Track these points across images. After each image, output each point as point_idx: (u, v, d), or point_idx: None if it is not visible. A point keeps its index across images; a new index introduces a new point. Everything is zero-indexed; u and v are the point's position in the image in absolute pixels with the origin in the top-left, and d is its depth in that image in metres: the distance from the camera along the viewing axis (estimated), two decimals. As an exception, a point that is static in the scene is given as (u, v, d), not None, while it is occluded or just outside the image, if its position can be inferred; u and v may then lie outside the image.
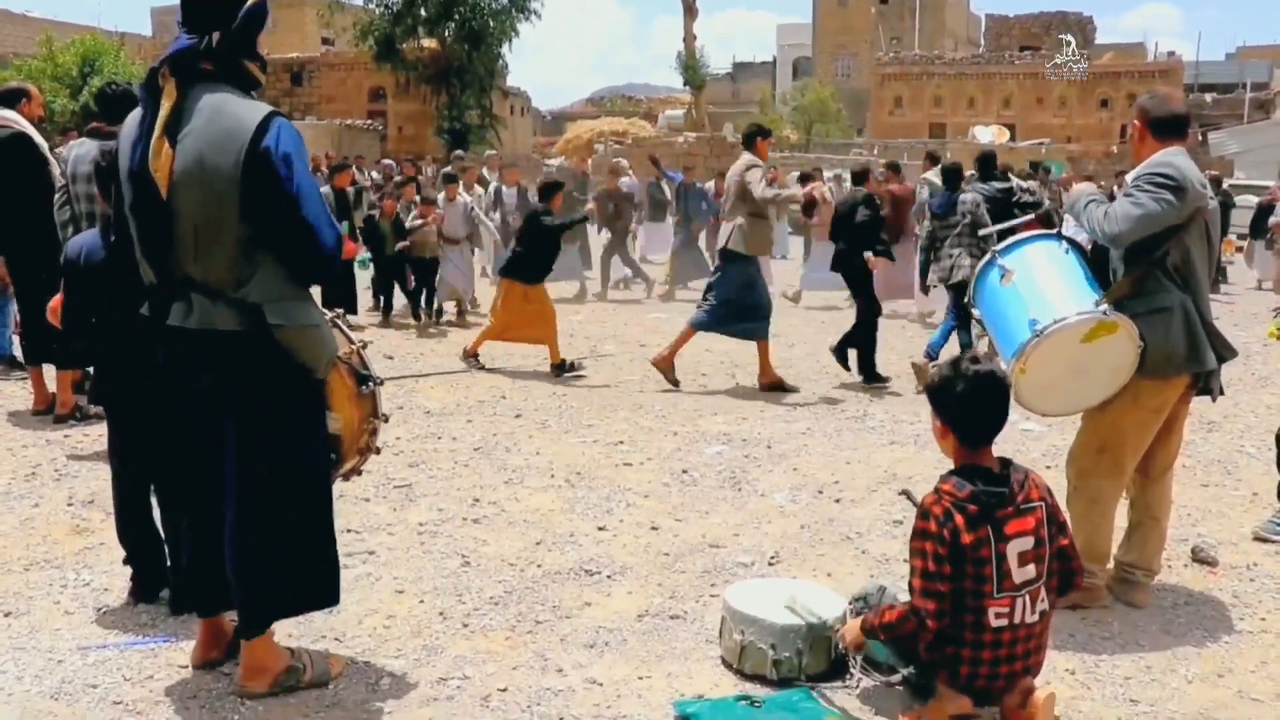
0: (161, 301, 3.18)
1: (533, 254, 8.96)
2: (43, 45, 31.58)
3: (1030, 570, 2.95)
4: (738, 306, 8.34)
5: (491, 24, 43.65)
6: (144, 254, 3.18)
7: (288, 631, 3.70)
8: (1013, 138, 47.47)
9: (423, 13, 42.92)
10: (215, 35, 3.08)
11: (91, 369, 7.49)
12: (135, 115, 3.19)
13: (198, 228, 3.06)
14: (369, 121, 45.91)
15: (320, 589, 3.41)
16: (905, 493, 3.68)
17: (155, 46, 52.66)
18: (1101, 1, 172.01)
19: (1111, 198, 4.17)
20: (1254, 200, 25.48)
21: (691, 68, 44.01)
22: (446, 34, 43.66)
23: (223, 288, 3.10)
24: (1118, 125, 53.65)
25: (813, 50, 71.23)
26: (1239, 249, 19.00)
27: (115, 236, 3.44)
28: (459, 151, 21.53)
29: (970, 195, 8.94)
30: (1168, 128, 4.06)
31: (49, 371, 7.10)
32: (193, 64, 3.08)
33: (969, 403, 3.05)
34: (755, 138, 8.51)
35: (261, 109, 3.10)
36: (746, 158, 8.35)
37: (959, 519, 2.90)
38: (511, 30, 44.36)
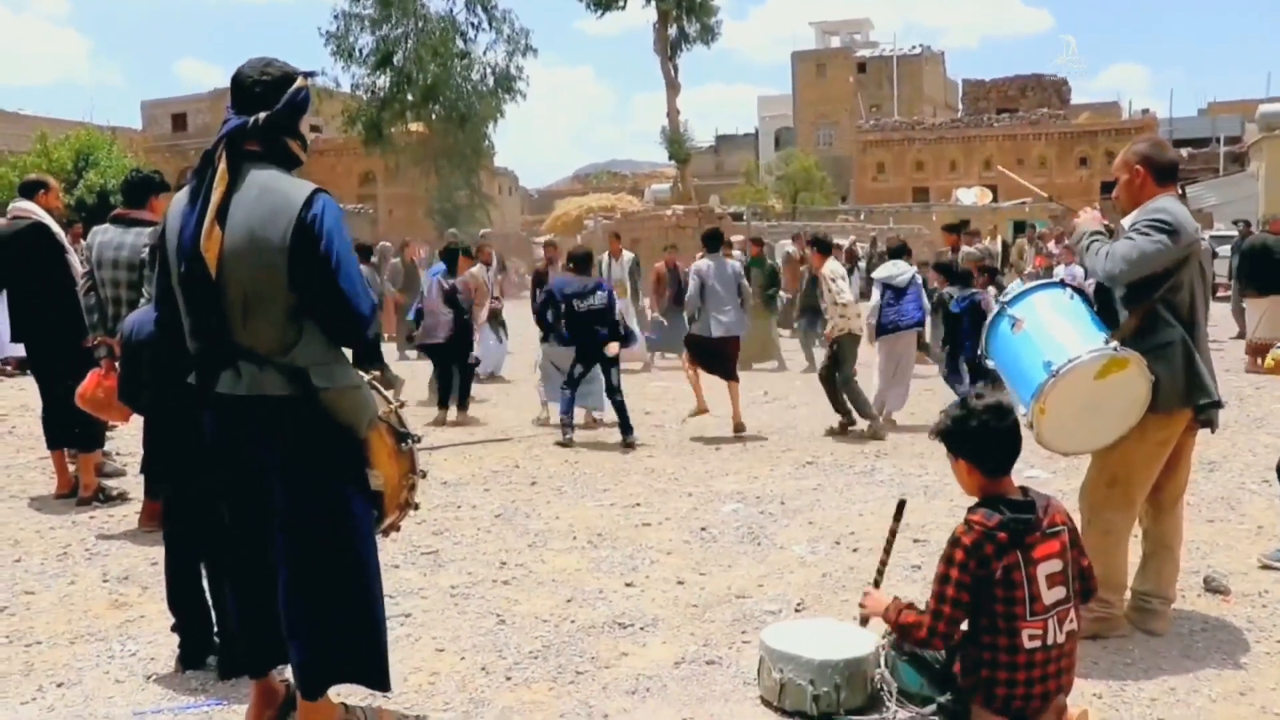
0: (209, 370, 3.33)
1: None
2: (38, 142, 31.89)
3: (1059, 592, 3.10)
4: None
5: (477, 105, 44.34)
6: (192, 326, 3.33)
7: (336, 690, 3.79)
8: (995, 198, 48.16)
9: (409, 97, 43.53)
10: (261, 115, 3.28)
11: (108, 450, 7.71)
12: (183, 195, 3.36)
13: (247, 298, 3.21)
14: (360, 206, 46.36)
15: (371, 654, 3.52)
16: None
17: (146, 140, 53.30)
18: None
19: (1112, 233, 4.38)
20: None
21: (676, 142, 44.66)
22: (433, 116, 44.30)
23: (270, 354, 3.24)
24: (1097, 182, 54.35)
25: (794, 120, 72.31)
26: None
27: (159, 311, 3.56)
28: (453, 230, 21.79)
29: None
30: (1168, 174, 4.32)
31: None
32: (241, 143, 3.29)
33: (985, 434, 3.21)
34: None
35: (307, 186, 3.28)
36: None
37: (989, 548, 3.04)
38: (497, 111, 45.04)
